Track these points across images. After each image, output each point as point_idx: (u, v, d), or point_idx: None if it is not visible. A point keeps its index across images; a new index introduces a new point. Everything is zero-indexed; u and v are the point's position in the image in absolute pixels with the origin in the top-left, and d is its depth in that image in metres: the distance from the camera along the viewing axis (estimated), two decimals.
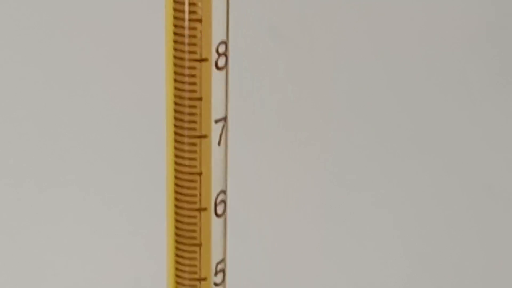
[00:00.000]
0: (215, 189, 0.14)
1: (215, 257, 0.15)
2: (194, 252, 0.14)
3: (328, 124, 0.41)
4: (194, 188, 0.14)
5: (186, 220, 0.14)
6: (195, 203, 0.14)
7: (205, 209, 0.14)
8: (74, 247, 0.39)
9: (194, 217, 0.14)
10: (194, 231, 0.14)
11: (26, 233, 0.38)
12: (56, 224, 0.39)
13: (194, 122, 0.14)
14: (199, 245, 0.14)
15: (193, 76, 0.13)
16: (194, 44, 0.13)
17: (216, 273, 0.15)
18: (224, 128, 0.14)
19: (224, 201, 0.15)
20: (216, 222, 0.14)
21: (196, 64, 0.13)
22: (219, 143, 0.14)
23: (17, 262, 0.39)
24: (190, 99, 0.13)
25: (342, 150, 0.42)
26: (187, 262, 0.14)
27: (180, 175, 0.14)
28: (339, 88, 0.41)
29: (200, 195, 0.14)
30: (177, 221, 0.14)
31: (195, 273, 0.14)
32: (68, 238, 0.39)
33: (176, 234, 0.15)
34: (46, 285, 0.39)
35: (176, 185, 0.14)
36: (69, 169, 0.38)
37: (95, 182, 0.37)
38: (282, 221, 0.41)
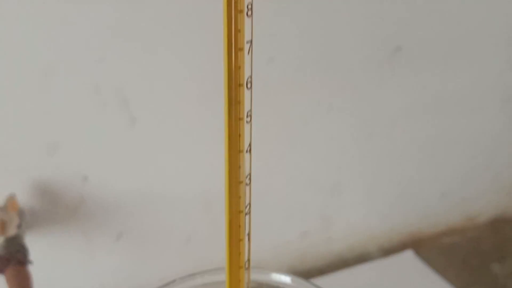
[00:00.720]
0: (246, 74, 0.17)
1: (247, 108, 0.18)
2: (238, 107, 0.18)
3: None
4: (238, 73, 0.17)
5: (232, 90, 0.17)
6: (238, 80, 0.17)
7: (241, 84, 0.17)
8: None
9: (237, 88, 0.17)
10: (237, 96, 0.17)
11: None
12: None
13: (236, 41, 0.17)
14: (239, 102, 0.17)
15: (236, 20, 0.17)
16: (236, 3, 0.16)
17: (247, 116, 0.18)
18: (251, 46, 0.17)
19: (251, 82, 0.18)
20: (247, 92, 0.18)
21: (238, 13, 0.16)
22: (248, 53, 0.17)
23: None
24: (235, 31, 0.17)
25: None
26: (233, 109, 0.18)
27: (229, 69, 0.17)
28: None
29: (239, 75, 0.17)
30: (229, 91, 0.17)
31: (238, 115, 0.18)
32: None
33: (229, 97, 0.18)
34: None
35: (228, 73, 0.17)
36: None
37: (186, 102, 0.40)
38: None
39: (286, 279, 0.24)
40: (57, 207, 0.40)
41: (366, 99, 0.45)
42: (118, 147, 0.40)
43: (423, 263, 0.49)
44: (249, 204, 0.19)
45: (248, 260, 0.20)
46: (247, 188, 0.18)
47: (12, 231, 0.37)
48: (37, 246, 0.39)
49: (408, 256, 0.51)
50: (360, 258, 0.51)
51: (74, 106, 0.37)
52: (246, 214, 0.18)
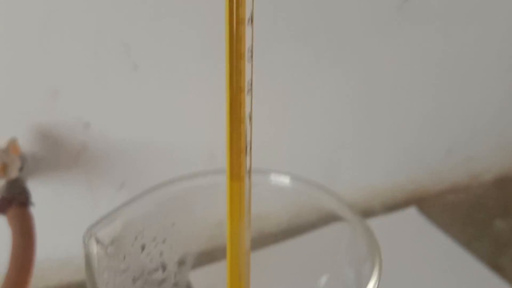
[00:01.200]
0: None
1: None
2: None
3: None
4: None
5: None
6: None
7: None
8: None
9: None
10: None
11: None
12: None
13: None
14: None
15: None
16: None
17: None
18: None
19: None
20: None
21: None
22: None
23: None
24: None
25: None
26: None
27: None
28: None
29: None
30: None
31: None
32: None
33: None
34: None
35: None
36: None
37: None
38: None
39: (285, 179, 0.24)
40: (59, 153, 0.40)
41: (372, 54, 0.45)
42: (120, 94, 0.40)
43: (427, 220, 0.49)
44: (251, 81, 0.18)
45: (250, 144, 0.19)
46: (248, 64, 0.17)
47: (13, 173, 0.37)
48: (39, 191, 0.39)
49: (412, 212, 0.51)
50: (363, 214, 0.51)
51: (76, 51, 0.37)
52: (248, 91, 0.18)
